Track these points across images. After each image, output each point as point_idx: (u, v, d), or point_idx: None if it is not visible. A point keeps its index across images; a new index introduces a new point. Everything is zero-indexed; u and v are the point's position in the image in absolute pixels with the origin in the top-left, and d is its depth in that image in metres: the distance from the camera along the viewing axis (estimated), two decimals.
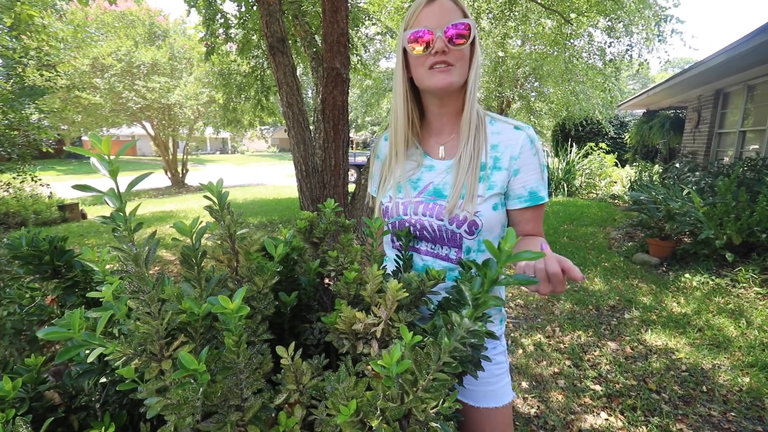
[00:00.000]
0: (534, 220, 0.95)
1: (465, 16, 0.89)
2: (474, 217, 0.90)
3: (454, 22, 0.87)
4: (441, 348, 0.46)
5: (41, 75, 6.64)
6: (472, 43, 0.90)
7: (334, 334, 0.68)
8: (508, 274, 0.47)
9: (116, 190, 0.42)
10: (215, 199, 0.69)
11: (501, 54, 9.48)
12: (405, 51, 0.94)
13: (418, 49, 0.89)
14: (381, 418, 0.45)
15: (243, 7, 5.27)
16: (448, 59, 0.88)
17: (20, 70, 6.21)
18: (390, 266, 1.04)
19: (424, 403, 0.45)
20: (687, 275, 3.99)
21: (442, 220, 0.92)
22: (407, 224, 0.98)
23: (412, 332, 0.50)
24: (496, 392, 1.01)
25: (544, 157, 0.94)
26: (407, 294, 0.63)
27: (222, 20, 5.40)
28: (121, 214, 0.44)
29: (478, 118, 0.94)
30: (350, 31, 4.92)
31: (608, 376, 2.52)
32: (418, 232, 0.97)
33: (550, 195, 9.84)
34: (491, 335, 0.51)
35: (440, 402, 0.46)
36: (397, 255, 1.01)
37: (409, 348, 0.48)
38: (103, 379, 0.64)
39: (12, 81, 6.02)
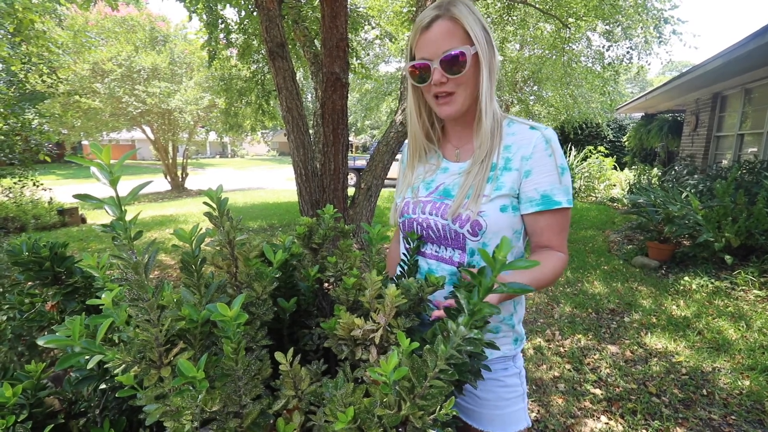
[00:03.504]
0: (550, 229, 0.87)
1: (466, 34, 0.86)
2: (477, 217, 0.86)
3: (448, 52, 0.85)
4: (437, 355, 0.47)
5: (43, 81, 6.67)
6: (476, 61, 0.88)
7: (333, 339, 0.69)
8: (504, 283, 0.47)
9: (116, 199, 0.43)
10: (215, 205, 0.70)
11: (500, 58, 9.52)
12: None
13: (419, 80, 0.91)
14: (378, 425, 0.45)
15: (243, 12, 5.31)
16: (447, 88, 0.89)
17: (22, 76, 6.23)
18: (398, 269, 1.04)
19: (422, 410, 0.45)
20: (686, 278, 4.00)
21: (446, 219, 0.91)
22: (415, 223, 0.97)
23: (409, 339, 0.51)
24: (505, 417, 0.94)
25: (564, 159, 0.89)
26: (405, 300, 0.63)
27: (223, 25, 5.43)
28: (121, 222, 0.44)
29: (494, 121, 0.91)
30: (349, 35, 4.95)
31: (608, 379, 2.52)
32: (424, 232, 0.96)
33: None
34: (490, 345, 0.51)
35: (437, 409, 0.46)
36: (402, 260, 1.01)
37: (406, 355, 0.49)
38: (103, 386, 0.65)
39: (14, 87, 6.04)
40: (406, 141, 1.11)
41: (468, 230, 0.88)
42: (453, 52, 0.85)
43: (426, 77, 0.89)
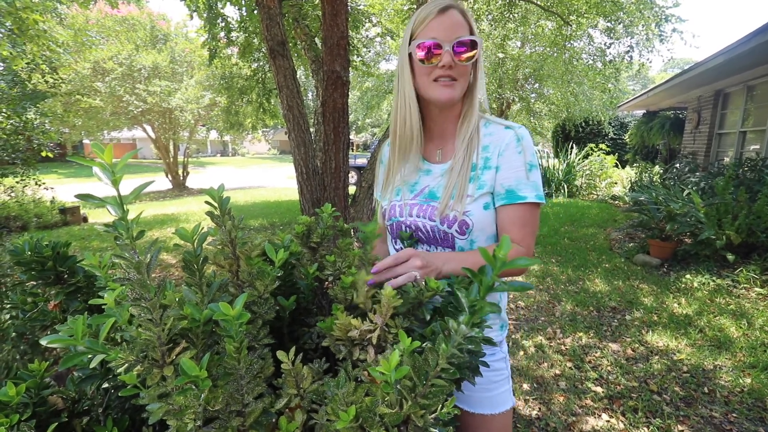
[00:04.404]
0: (512, 223, 0.90)
1: (471, 30, 0.90)
2: (464, 217, 0.90)
3: (462, 38, 0.88)
4: (439, 354, 0.47)
5: (46, 82, 6.70)
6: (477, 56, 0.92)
7: (331, 339, 0.69)
8: (504, 281, 0.47)
9: (118, 199, 0.43)
10: (216, 204, 0.70)
11: (501, 55, 9.50)
12: (411, 56, 0.93)
13: (426, 59, 0.90)
14: (380, 424, 0.46)
15: (244, 10, 5.30)
16: (453, 74, 0.90)
17: (26, 76, 6.27)
18: None
19: (423, 409, 0.45)
20: (688, 276, 3.99)
21: (434, 221, 0.94)
22: (403, 225, 1.00)
23: (410, 338, 0.51)
24: (493, 399, 1.00)
25: (535, 158, 0.92)
26: (401, 301, 0.63)
27: (223, 24, 5.43)
28: (123, 222, 0.44)
29: (474, 123, 0.95)
30: (350, 33, 4.94)
31: (609, 377, 2.52)
32: (413, 234, 0.99)
33: (548, 196, 9.82)
34: (489, 342, 0.51)
35: (439, 408, 0.46)
36: None
37: (407, 354, 0.49)
38: (106, 384, 0.65)
39: (17, 87, 6.07)
40: (387, 141, 1.09)
41: (456, 230, 0.91)
42: (467, 39, 0.88)
43: (432, 58, 0.89)
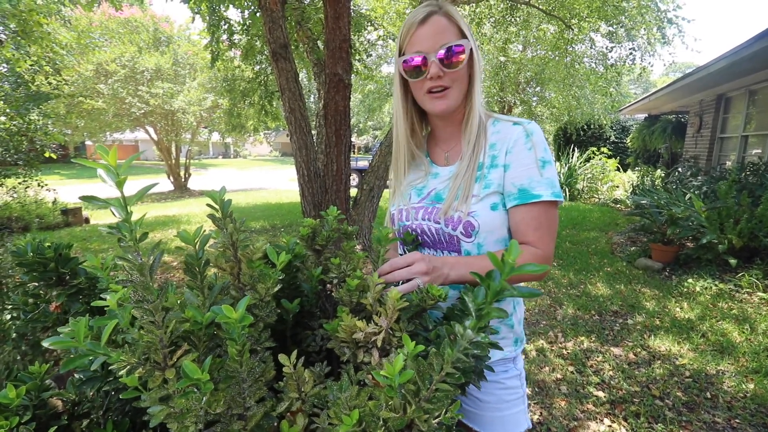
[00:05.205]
0: (526, 224, 0.84)
1: (460, 30, 0.87)
2: (468, 218, 0.86)
3: (447, 45, 0.84)
4: (444, 358, 0.46)
5: (49, 83, 6.74)
6: (471, 58, 0.88)
7: (336, 341, 0.68)
8: (513, 287, 0.47)
9: (122, 201, 0.43)
10: (218, 207, 0.70)
11: (502, 59, 9.52)
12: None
13: (414, 75, 0.88)
14: (383, 428, 0.45)
15: (247, 13, 5.32)
16: (444, 83, 0.87)
17: (29, 78, 6.30)
18: None
19: (427, 413, 0.45)
20: (690, 280, 3.98)
21: (438, 223, 0.90)
22: (409, 230, 0.97)
23: (414, 342, 0.50)
24: (505, 419, 0.94)
25: (548, 153, 0.86)
26: (407, 303, 0.63)
27: (226, 27, 5.45)
28: (127, 224, 0.44)
29: (480, 122, 0.92)
30: (352, 36, 4.96)
31: (611, 382, 2.51)
32: (419, 237, 0.96)
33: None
34: (494, 345, 0.51)
35: (443, 412, 0.46)
36: None
37: (411, 358, 0.49)
38: (106, 387, 0.65)
39: (21, 88, 6.10)
40: None
41: (461, 232, 0.88)
42: (452, 45, 0.85)
43: (421, 71, 0.87)
